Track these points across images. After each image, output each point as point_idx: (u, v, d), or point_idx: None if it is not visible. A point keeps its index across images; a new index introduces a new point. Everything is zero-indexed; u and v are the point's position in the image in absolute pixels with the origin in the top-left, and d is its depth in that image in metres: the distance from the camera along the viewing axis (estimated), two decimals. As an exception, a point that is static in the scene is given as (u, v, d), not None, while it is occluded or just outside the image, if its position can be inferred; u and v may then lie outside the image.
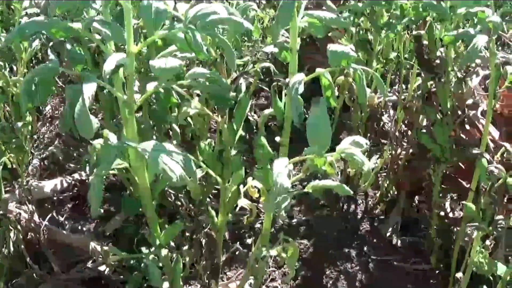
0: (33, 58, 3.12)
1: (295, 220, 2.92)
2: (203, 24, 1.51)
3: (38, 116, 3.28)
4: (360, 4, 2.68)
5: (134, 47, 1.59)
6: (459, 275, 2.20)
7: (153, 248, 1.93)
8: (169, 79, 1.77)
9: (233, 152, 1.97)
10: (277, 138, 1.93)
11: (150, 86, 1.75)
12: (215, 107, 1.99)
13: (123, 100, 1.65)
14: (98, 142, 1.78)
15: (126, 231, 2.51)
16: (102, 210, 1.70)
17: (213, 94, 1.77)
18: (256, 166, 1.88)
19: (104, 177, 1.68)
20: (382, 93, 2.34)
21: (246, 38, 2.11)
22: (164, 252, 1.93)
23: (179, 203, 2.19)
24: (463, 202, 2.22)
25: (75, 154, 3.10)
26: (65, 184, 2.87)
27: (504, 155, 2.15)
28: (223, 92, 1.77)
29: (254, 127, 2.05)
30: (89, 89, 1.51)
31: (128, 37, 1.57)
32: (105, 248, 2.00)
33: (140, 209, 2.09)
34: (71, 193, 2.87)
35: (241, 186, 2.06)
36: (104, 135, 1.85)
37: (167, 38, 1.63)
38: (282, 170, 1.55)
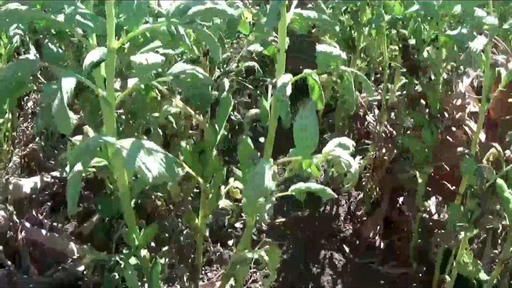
0: (15, 54, 3.05)
1: (277, 221, 2.89)
2: (185, 18, 1.46)
3: (19, 112, 3.22)
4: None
5: (115, 42, 1.54)
6: (445, 276, 2.18)
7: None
8: (150, 76, 1.73)
9: (215, 152, 1.93)
10: (262, 139, 1.89)
11: (131, 82, 1.71)
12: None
13: (102, 96, 1.61)
14: (77, 139, 1.75)
15: (102, 232, 2.46)
16: (79, 209, 1.66)
17: (193, 91, 1.73)
18: (237, 166, 1.85)
19: (84, 175, 1.65)
20: (370, 95, 2.31)
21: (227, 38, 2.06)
22: (143, 252, 1.89)
23: (159, 202, 2.14)
24: (448, 204, 2.19)
25: (55, 152, 3.05)
26: (44, 183, 2.81)
27: (490, 158, 2.10)
28: (204, 89, 1.72)
29: (237, 127, 2.01)
30: (68, 83, 1.45)
31: (110, 31, 1.52)
32: (83, 248, 1.96)
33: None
34: (51, 191, 2.82)
35: (223, 186, 2.02)
36: (84, 131, 1.81)
37: (150, 32, 1.59)
38: (266, 171, 1.52)
